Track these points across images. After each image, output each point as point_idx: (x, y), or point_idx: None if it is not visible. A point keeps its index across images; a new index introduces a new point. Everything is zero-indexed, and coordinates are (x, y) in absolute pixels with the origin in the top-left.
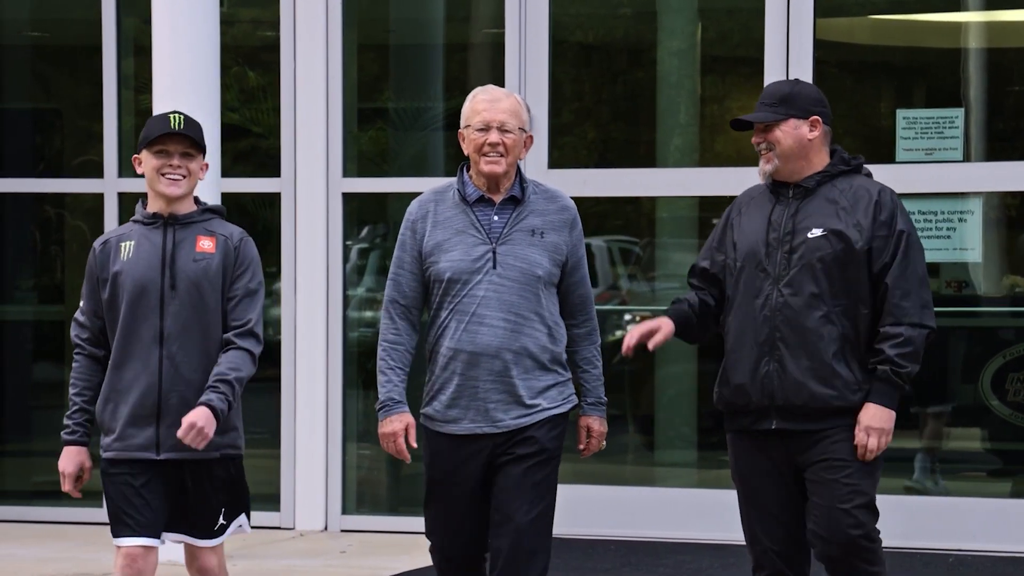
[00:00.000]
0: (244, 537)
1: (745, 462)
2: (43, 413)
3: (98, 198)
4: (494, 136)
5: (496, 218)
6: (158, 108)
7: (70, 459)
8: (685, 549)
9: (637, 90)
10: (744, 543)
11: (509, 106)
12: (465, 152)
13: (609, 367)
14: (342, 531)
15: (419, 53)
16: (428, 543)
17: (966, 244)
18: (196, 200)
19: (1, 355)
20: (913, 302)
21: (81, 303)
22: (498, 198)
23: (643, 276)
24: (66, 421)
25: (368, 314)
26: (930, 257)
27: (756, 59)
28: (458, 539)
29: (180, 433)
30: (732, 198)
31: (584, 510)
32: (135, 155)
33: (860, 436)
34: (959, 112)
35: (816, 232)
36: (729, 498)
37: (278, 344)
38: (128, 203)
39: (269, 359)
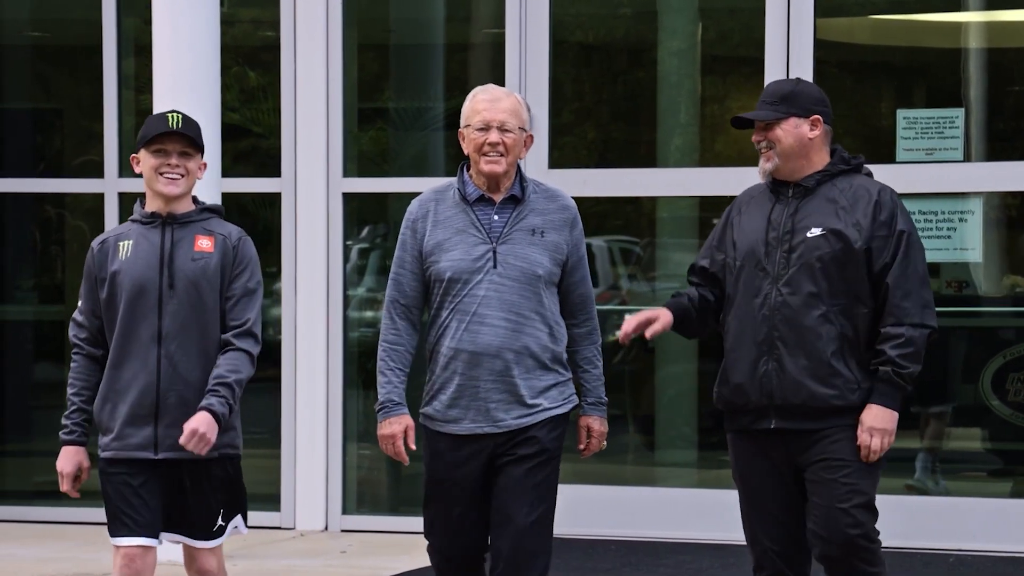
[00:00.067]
0: (244, 537)
1: (745, 462)
2: (43, 413)
3: (98, 198)
4: (494, 136)
5: (496, 217)
6: (158, 108)
7: (68, 459)
8: (685, 549)
9: (637, 90)
10: (744, 543)
11: (509, 105)
12: (465, 151)
13: (609, 367)
14: (342, 531)
15: (419, 53)
16: (428, 543)
17: (966, 244)
18: (194, 199)
19: (2, 355)
20: (914, 302)
21: (79, 303)
22: (498, 197)
23: (643, 276)
24: (64, 421)
25: (368, 314)
26: (930, 257)
27: (756, 59)
28: (458, 539)
29: (183, 440)
30: (732, 198)
31: (584, 510)
32: (133, 155)
33: (863, 437)
34: (959, 112)
35: (815, 231)
36: (729, 498)
37: (278, 344)
38: (128, 203)
39: (269, 359)
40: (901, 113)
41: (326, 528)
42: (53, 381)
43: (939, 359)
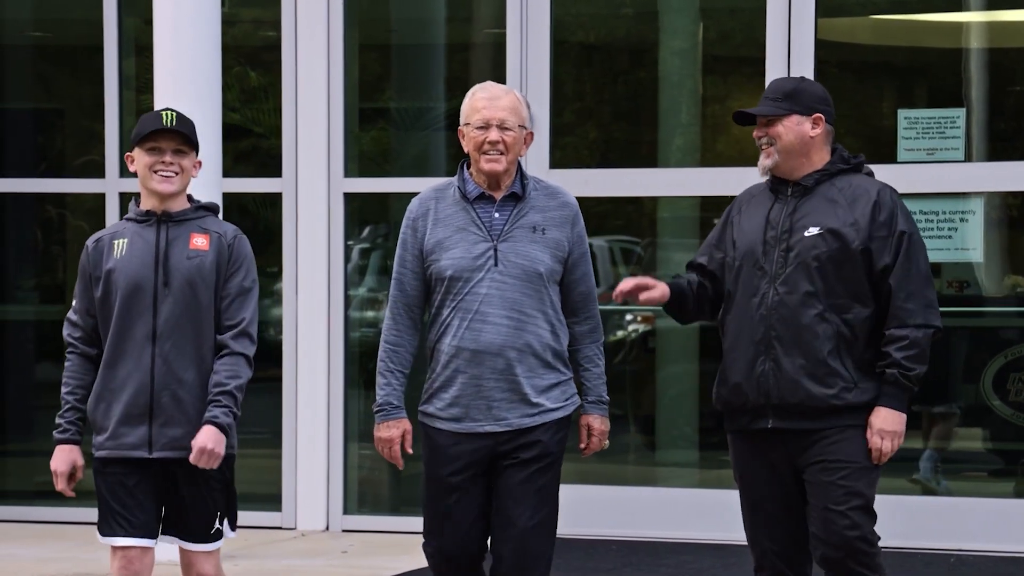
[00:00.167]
0: (245, 537)
1: (745, 462)
2: (44, 413)
3: (99, 198)
4: (494, 134)
5: (497, 215)
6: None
7: (62, 458)
8: (686, 549)
9: (638, 90)
10: (745, 543)
11: (508, 103)
12: (465, 150)
13: (611, 367)
14: (343, 531)
15: (420, 53)
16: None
17: (967, 244)
18: (189, 198)
19: (3, 355)
20: (917, 303)
21: (74, 302)
22: (499, 195)
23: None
24: (58, 420)
25: (369, 314)
26: (932, 257)
27: (758, 59)
28: (458, 538)
29: (192, 458)
30: (733, 198)
31: (585, 510)
32: (128, 153)
33: (874, 440)
34: (960, 112)
35: (812, 231)
36: (730, 498)
37: (279, 344)
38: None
39: (270, 359)
40: (902, 113)
41: (327, 528)
42: (54, 381)
43: (940, 359)
